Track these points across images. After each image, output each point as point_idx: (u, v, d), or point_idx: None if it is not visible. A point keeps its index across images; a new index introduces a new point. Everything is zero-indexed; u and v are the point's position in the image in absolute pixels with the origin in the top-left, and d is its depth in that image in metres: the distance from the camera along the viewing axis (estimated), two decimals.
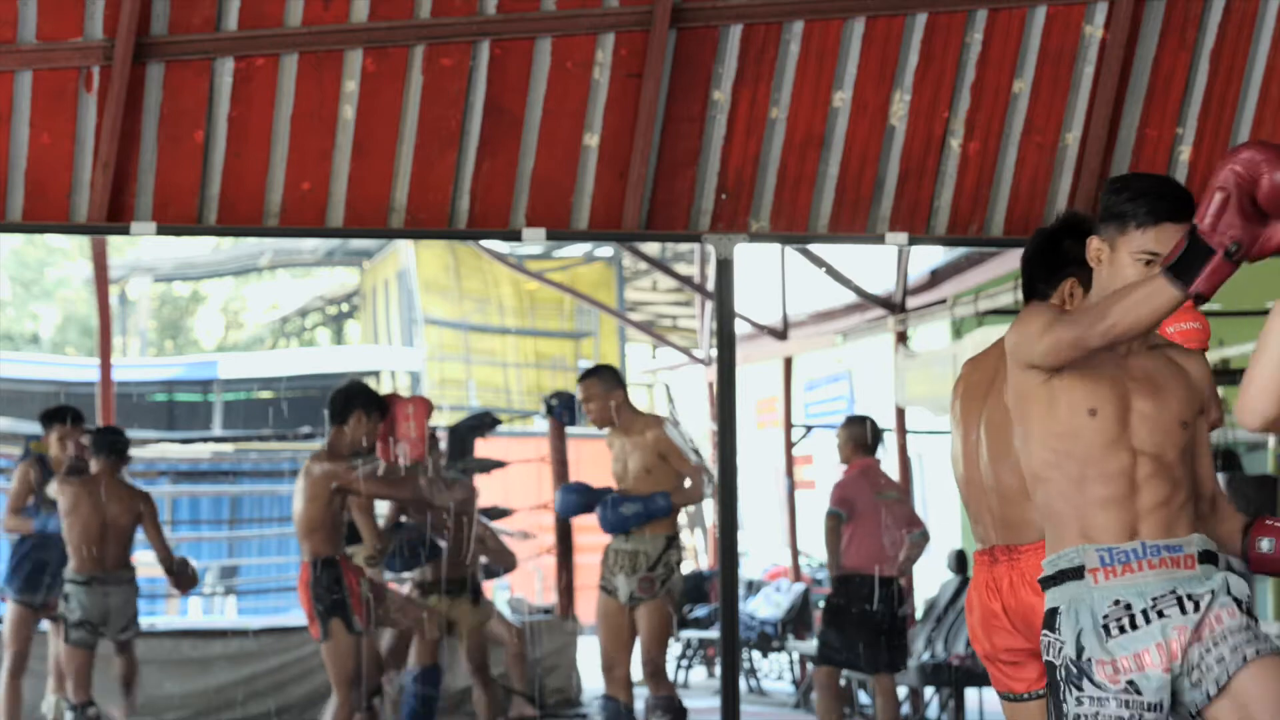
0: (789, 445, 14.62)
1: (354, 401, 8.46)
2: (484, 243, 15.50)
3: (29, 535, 10.02)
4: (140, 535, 9.87)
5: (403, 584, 10.44)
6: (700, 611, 15.88)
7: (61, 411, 10.22)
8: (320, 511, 8.39)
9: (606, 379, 8.84)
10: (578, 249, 24.95)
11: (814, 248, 12.55)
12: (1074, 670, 3.83)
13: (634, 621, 8.61)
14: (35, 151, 7.38)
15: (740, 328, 14.04)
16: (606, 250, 24.67)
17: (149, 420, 24.04)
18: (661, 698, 8.64)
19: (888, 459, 14.58)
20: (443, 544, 9.41)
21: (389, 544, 9.27)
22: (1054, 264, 4.57)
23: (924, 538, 9.97)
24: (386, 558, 9.32)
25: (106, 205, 7.37)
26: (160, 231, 7.48)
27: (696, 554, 23.89)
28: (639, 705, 8.83)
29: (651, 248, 20.64)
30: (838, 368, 18.82)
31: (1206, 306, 4.06)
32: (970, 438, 4.73)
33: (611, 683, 8.65)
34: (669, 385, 23.46)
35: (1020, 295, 4.85)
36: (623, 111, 7.66)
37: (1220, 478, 12.13)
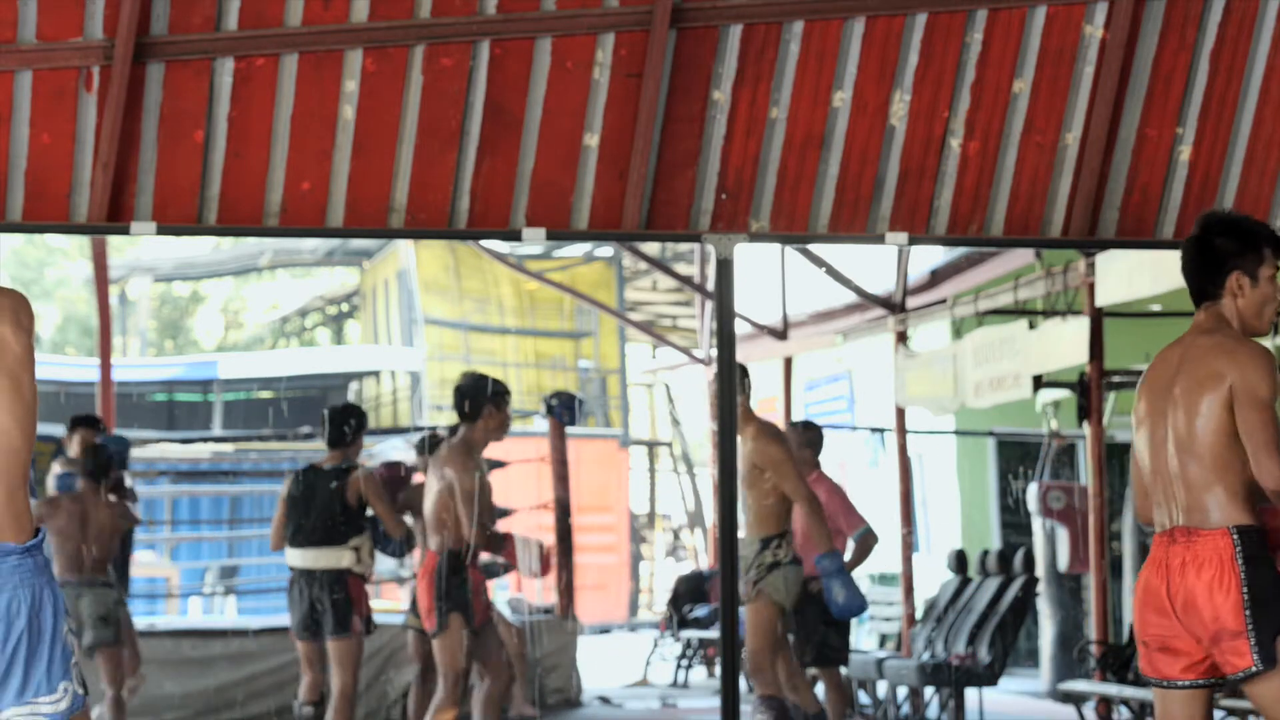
0: None
1: (483, 397, 8.58)
2: (484, 243, 15.50)
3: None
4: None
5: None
6: (700, 611, 15.88)
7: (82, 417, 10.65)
8: (450, 505, 8.50)
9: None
10: (578, 249, 24.95)
11: (814, 248, 12.55)
12: None
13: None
14: (35, 151, 7.38)
15: (740, 328, 14.04)
16: (606, 250, 24.67)
17: (149, 420, 24.06)
18: (764, 698, 8.62)
19: (888, 459, 14.57)
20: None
21: (405, 533, 9.33)
22: (1215, 264, 4.94)
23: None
24: (399, 542, 9.39)
25: (106, 205, 7.36)
26: (160, 231, 7.48)
27: (696, 554, 23.91)
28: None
29: (651, 248, 20.64)
30: (838, 368, 18.82)
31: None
32: (1158, 431, 4.94)
33: (761, 684, 8.69)
34: (669, 385, 23.46)
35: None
36: (623, 111, 7.66)
37: None
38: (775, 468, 8.46)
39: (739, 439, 8.62)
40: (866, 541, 9.95)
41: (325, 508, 9.21)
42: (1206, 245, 4.95)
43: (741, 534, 8.44)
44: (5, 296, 3.83)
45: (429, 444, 10.16)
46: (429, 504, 8.62)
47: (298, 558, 9.27)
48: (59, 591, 3.75)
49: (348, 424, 9.31)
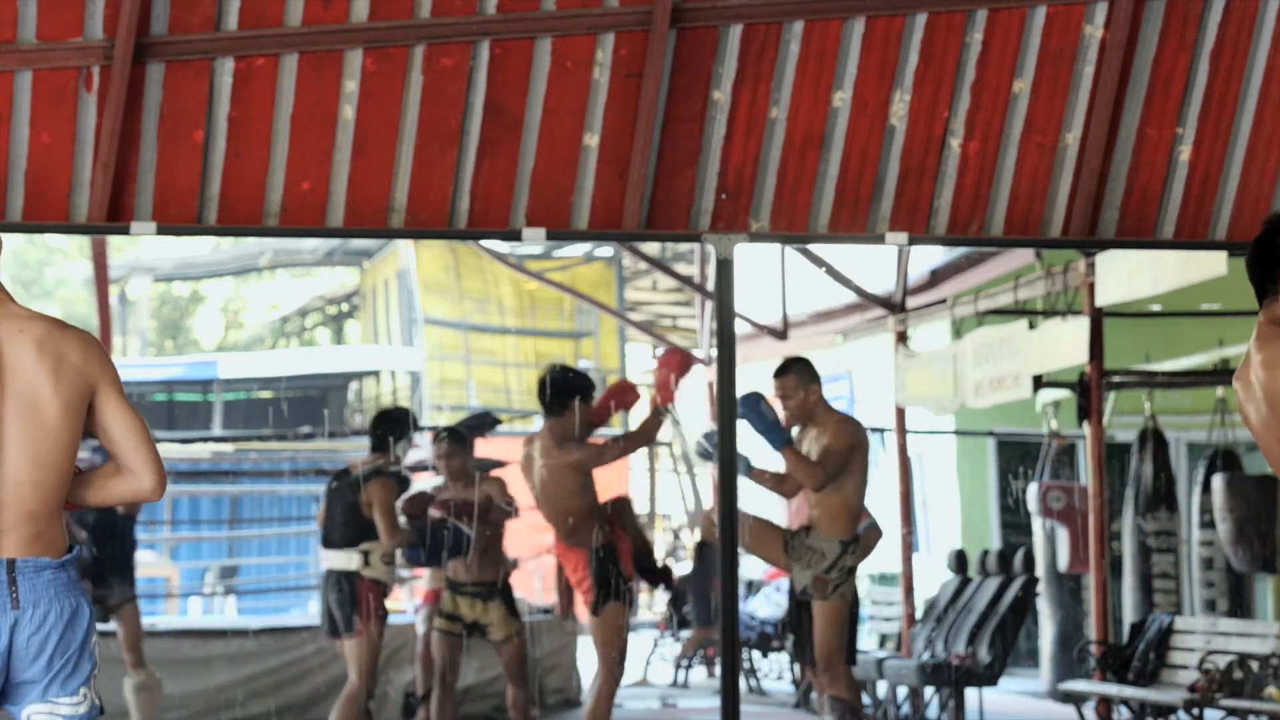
0: None
1: (570, 391, 8.68)
2: (484, 243, 15.50)
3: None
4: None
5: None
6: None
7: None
8: (572, 500, 8.58)
9: (803, 374, 8.55)
10: (578, 249, 24.95)
11: (814, 248, 12.55)
12: None
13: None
14: (35, 151, 7.38)
15: (740, 328, 14.04)
16: (606, 250, 24.67)
17: (149, 420, 24.01)
18: (834, 699, 8.50)
19: (888, 459, 14.61)
20: (470, 533, 9.47)
21: (407, 540, 9.34)
22: (1276, 263, 4.88)
23: None
24: (414, 549, 9.40)
25: (106, 205, 7.37)
26: (160, 231, 7.48)
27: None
28: None
29: (651, 248, 20.64)
30: (838, 368, 18.82)
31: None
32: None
33: (832, 682, 8.64)
34: None
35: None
36: (623, 111, 7.66)
37: (1219, 478, 12.18)
38: (848, 453, 8.50)
39: (812, 431, 8.57)
40: (869, 537, 9.97)
41: (338, 510, 9.31)
42: (1271, 246, 4.89)
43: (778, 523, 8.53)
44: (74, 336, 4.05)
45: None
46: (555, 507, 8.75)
47: (322, 556, 9.47)
48: (91, 606, 4.01)
49: (378, 428, 9.45)
